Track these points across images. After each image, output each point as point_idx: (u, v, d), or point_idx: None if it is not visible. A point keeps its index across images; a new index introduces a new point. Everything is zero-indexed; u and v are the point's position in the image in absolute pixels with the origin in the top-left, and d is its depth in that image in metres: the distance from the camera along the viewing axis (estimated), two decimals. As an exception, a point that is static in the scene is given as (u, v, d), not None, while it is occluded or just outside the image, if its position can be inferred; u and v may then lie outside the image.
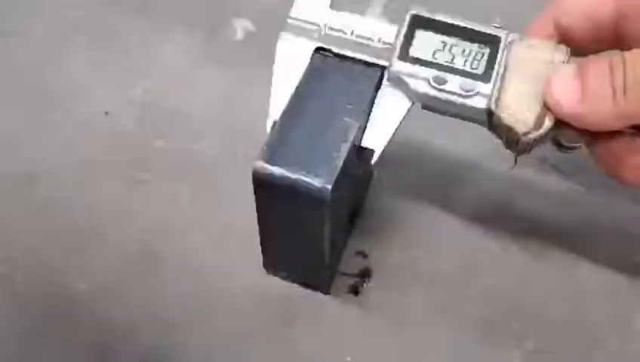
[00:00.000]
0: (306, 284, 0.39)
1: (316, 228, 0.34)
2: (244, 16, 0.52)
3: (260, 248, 0.39)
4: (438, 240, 0.42)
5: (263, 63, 0.46)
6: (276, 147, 0.33)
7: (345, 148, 0.33)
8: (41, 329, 0.38)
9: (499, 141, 0.35)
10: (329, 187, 0.32)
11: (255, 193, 0.34)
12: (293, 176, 0.33)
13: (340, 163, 0.33)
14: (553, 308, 0.39)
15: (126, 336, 0.38)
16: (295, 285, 0.39)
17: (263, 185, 0.33)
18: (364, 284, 0.40)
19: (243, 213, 0.41)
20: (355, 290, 0.39)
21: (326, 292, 0.39)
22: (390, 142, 0.35)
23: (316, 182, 0.32)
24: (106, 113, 0.47)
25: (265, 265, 0.39)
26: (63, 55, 0.50)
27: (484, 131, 0.38)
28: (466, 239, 0.42)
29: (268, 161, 0.33)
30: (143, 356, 0.37)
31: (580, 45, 0.35)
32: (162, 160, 0.44)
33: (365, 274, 0.40)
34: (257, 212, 0.35)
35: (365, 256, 0.41)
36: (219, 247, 0.41)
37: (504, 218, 0.42)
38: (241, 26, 0.52)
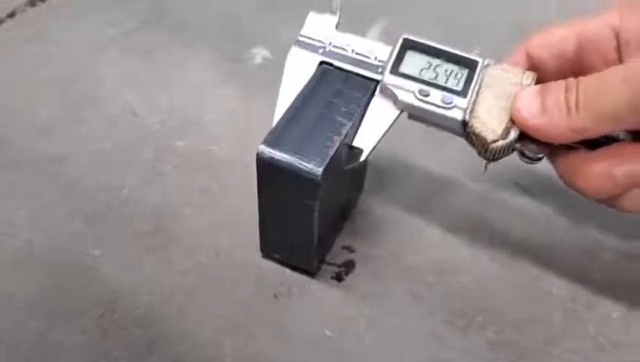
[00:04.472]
0: (295, 268, 0.44)
1: (308, 208, 0.39)
2: (264, 46, 0.59)
3: (258, 234, 0.44)
4: (418, 242, 0.46)
5: (275, 84, 0.52)
6: (278, 135, 0.39)
7: (337, 141, 0.39)
8: (58, 285, 0.43)
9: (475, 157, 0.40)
10: (320, 170, 0.38)
11: (257, 175, 0.40)
12: (291, 159, 0.38)
13: (331, 151, 0.38)
14: (515, 308, 0.43)
15: (130, 297, 0.42)
16: (286, 268, 0.44)
17: (264, 166, 0.39)
18: (348, 274, 0.44)
19: (246, 204, 0.47)
20: (339, 277, 0.44)
21: (313, 276, 0.44)
22: (378, 144, 0.41)
23: (310, 165, 0.38)
24: (133, 114, 0.53)
25: (261, 248, 0.44)
26: (98, 63, 0.57)
27: (462, 155, 0.44)
28: (442, 244, 0.46)
29: (270, 146, 0.39)
30: (143, 316, 0.42)
31: (546, 74, 0.41)
32: (180, 157, 0.50)
33: (349, 265, 0.45)
34: (258, 193, 0.41)
35: (351, 251, 0.46)
36: (223, 231, 0.46)
37: (477, 229, 0.47)
38: (260, 54, 0.59)
